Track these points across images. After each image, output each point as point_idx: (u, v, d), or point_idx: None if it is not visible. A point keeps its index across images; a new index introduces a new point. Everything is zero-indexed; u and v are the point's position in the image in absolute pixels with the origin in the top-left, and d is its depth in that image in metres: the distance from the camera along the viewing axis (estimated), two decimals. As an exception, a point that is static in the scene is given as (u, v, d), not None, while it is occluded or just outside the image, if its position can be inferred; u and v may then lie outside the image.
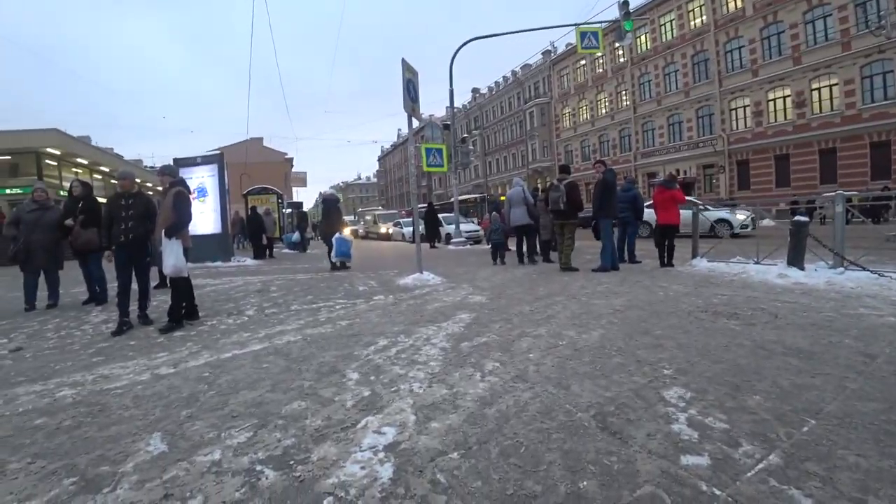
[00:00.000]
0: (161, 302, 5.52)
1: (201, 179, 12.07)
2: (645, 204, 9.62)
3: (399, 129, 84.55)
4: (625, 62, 36.94)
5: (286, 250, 18.86)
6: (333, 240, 9.89)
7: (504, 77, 53.21)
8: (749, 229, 13.46)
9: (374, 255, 14.90)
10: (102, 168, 32.63)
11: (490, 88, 56.45)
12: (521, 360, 3.16)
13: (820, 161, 25.50)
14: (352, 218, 40.10)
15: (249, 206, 18.65)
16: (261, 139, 49.34)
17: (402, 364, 3.18)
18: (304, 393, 2.71)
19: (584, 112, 41.98)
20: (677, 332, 3.73)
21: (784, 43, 26.61)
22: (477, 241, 19.23)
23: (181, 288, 4.68)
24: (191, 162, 12.15)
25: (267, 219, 15.35)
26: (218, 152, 14.02)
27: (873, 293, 4.91)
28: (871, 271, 5.72)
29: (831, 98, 24.94)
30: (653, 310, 4.57)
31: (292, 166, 53.28)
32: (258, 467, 1.92)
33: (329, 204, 10.55)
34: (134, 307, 4.86)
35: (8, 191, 25.36)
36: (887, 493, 1.57)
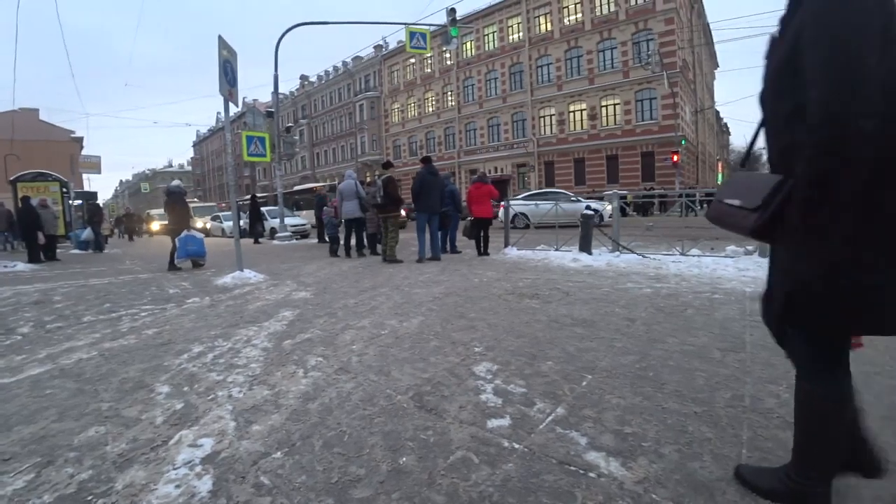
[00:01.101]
0: None
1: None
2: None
3: (218, 113, 76.47)
4: (451, 65, 39.47)
5: (75, 251, 15.89)
6: (179, 238, 8.67)
7: (335, 67, 52.10)
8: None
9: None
10: None
11: (319, 77, 54.76)
12: (345, 353, 3.27)
13: (607, 165, 30.97)
14: (160, 212, 35.04)
15: (20, 195, 14.86)
16: (36, 111, 39.68)
17: (219, 370, 3.03)
18: (101, 416, 2.42)
19: (413, 109, 43.66)
20: (488, 313, 4.23)
21: (582, 65, 31.68)
22: (304, 236, 18.69)
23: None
24: None
25: (45, 212, 12.69)
26: None
27: (638, 271, 6.21)
28: (638, 254, 7.19)
29: (615, 114, 30.65)
30: (468, 295, 5.09)
31: (82, 148, 44.17)
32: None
33: (175, 197, 9.19)
34: None
35: None
36: (637, 422, 2.09)
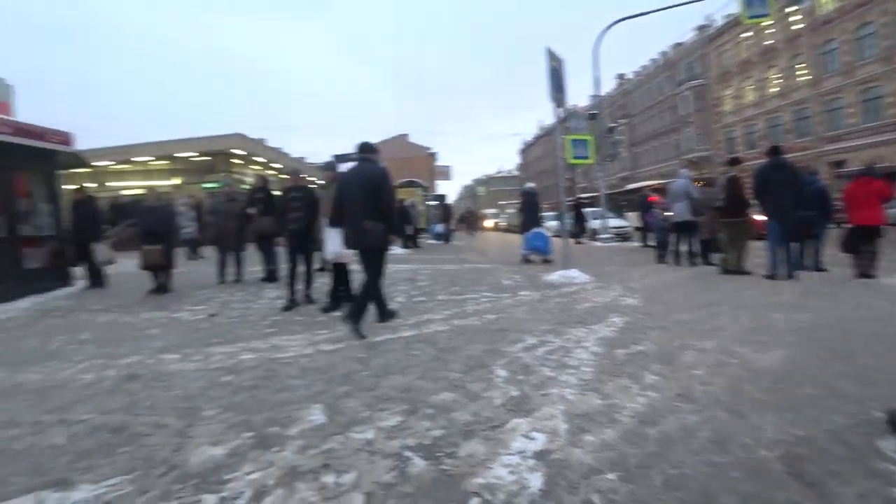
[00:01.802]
0: (322, 284, 6.13)
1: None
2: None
3: (540, 121, 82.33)
4: (801, 29, 30.64)
5: (431, 241, 19.75)
6: (527, 234, 9.99)
7: (652, 59, 48.54)
8: None
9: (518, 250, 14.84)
10: (275, 165, 38.11)
11: (636, 73, 52.14)
12: (685, 377, 2.81)
13: None
14: (493, 211, 40.27)
15: (398, 198, 20.03)
16: (406, 135, 52.54)
17: (551, 366, 3.05)
18: (452, 384, 2.75)
19: (750, 92, 36.09)
20: (891, 362, 2.98)
21: None
22: (625, 238, 18.01)
23: (341, 272, 5.13)
24: (347, 158, 13.35)
25: (412, 210, 16.28)
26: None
27: None
28: None
29: None
30: (851, 330, 3.74)
31: (436, 160, 55.69)
32: (407, 453, 1.97)
33: (529, 197, 10.66)
34: (300, 287, 5.47)
35: (206, 185, 31.03)
36: None
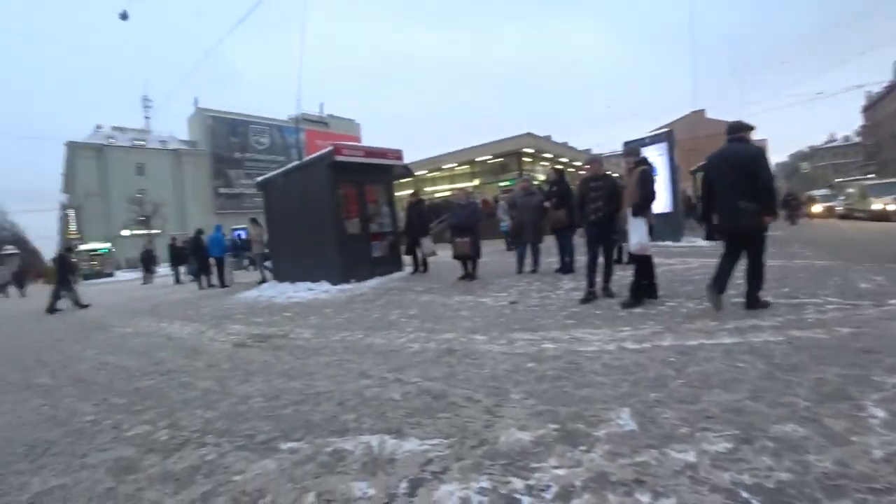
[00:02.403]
0: (620, 277, 5.85)
1: (651, 159, 12.15)
2: None
3: (896, 63, 59.08)
4: None
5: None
6: None
7: None
8: None
9: (865, 241, 11.18)
10: (562, 159, 38.95)
11: None
12: None
13: None
14: (824, 192, 31.09)
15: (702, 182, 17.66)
16: (702, 111, 45.82)
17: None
18: (799, 415, 2.16)
19: None
20: None
21: None
22: None
23: (643, 265, 4.77)
24: (639, 143, 12.39)
25: None
26: (666, 129, 13.67)
27: None
28: None
29: None
30: None
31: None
32: (744, 494, 1.61)
33: None
34: (599, 279, 5.33)
35: (500, 184, 34.09)
36: None
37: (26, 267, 34.61)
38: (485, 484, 1.84)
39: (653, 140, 12.59)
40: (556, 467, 1.89)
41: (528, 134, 35.17)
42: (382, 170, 9.87)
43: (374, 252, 9.39)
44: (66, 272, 11.72)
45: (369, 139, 63.52)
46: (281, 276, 10.43)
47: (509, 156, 35.49)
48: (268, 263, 11.97)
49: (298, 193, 9.63)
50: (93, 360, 5.26)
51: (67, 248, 15.17)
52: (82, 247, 36.02)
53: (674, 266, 7.56)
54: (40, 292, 25.42)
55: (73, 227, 50.47)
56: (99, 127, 54.24)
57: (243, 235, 12.35)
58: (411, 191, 11.64)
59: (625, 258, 7.53)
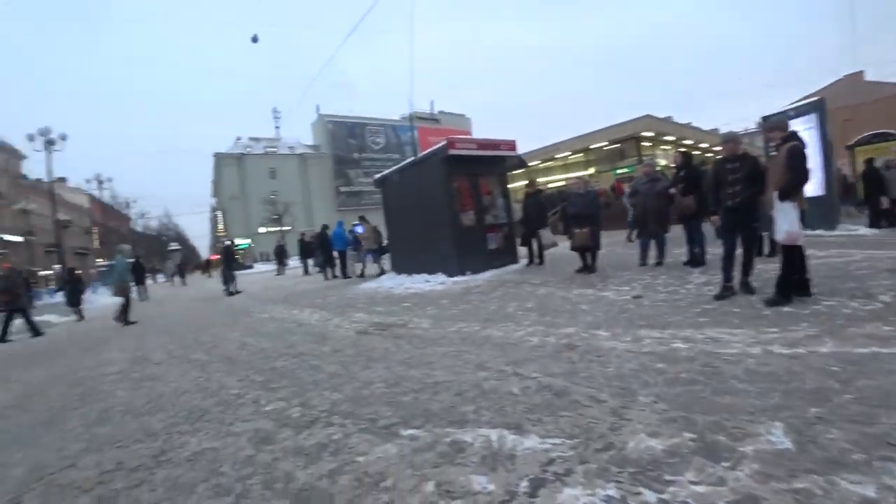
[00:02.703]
0: (761, 271, 5.22)
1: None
2: None
3: None
4: None
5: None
6: None
7: None
8: None
9: None
10: (685, 141, 35.66)
11: None
12: None
13: None
14: None
15: (863, 159, 14.72)
16: (860, 74, 38.07)
17: None
18: None
19: None
20: None
21: None
22: None
23: (793, 257, 4.19)
24: (783, 117, 10.80)
25: (889, 173, 11.77)
26: (815, 98, 11.68)
27: None
28: None
29: None
30: None
31: None
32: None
33: None
34: (736, 273, 4.79)
35: (617, 171, 32.19)
36: None
37: (186, 261, 40.75)
38: (612, 492, 1.72)
39: (798, 112, 10.94)
40: (695, 483, 1.71)
41: (647, 116, 33.01)
42: (496, 161, 9.84)
43: (489, 244, 9.40)
44: (230, 261, 14.63)
45: (480, 132, 64.20)
46: (398, 268, 10.90)
47: (627, 141, 33.60)
48: (370, 258, 12.98)
49: (414, 188, 9.97)
50: (236, 341, 5.96)
51: (231, 242, 18.42)
52: (227, 243, 41.40)
53: (830, 259, 6.55)
54: (197, 281, 29.51)
55: (220, 226, 58.54)
56: (238, 139, 62.25)
57: (360, 231, 13.22)
58: (525, 182, 11.46)
59: (766, 249, 6.72)
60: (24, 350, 8.43)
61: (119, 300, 10.01)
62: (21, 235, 34.88)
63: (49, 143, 22.40)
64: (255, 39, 18.13)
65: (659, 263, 7.24)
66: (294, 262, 24.41)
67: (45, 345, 8.85)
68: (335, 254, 13.99)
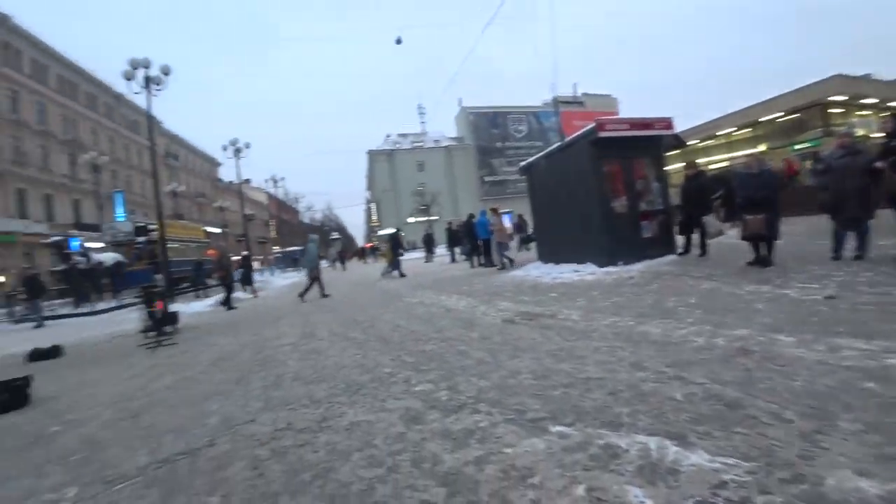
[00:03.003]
0: None
1: None
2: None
3: None
4: None
5: None
6: None
7: None
8: None
9: None
10: (893, 104, 28.40)
11: None
12: None
13: None
14: None
15: None
16: None
17: None
18: None
19: None
20: None
21: None
22: None
23: None
24: None
25: None
26: None
27: None
28: None
29: None
30: None
31: None
32: None
33: None
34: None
35: (797, 146, 27.20)
36: None
37: (346, 249, 45.67)
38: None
39: None
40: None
41: (837, 76, 27.28)
42: (650, 142, 8.97)
43: (643, 233, 8.70)
44: (398, 247, 16.47)
45: (628, 112, 60.38)
46: (545, 258, 10.72)
47: (809, 109, 28.17)
48: (508, 253, 12.96)
49: (561, 174, 9.66)
50: (390, 323, 6.41)
51: (398, 230, 20.33)
52: (381, 232, 44.88)
53: None
54: (356, 266, 32.51)
55: (374, 217, 64.40)
56: (388, 136, 67.49)
57: (506, 220, 13.31)
58: (682, 164, 10.38)
59: None
60: (222, 320, 10.15)
61: (309, 280, 12.09)
62: (220, 228, 42.11)
63: (237, 151, 26.59)
64: (398, 41, 19.52)
65: (859, 257, 6.00)
66: (441, 251, 25.51)
67: (236, 317, 10.56)
68: (479, 242, 14.26)
